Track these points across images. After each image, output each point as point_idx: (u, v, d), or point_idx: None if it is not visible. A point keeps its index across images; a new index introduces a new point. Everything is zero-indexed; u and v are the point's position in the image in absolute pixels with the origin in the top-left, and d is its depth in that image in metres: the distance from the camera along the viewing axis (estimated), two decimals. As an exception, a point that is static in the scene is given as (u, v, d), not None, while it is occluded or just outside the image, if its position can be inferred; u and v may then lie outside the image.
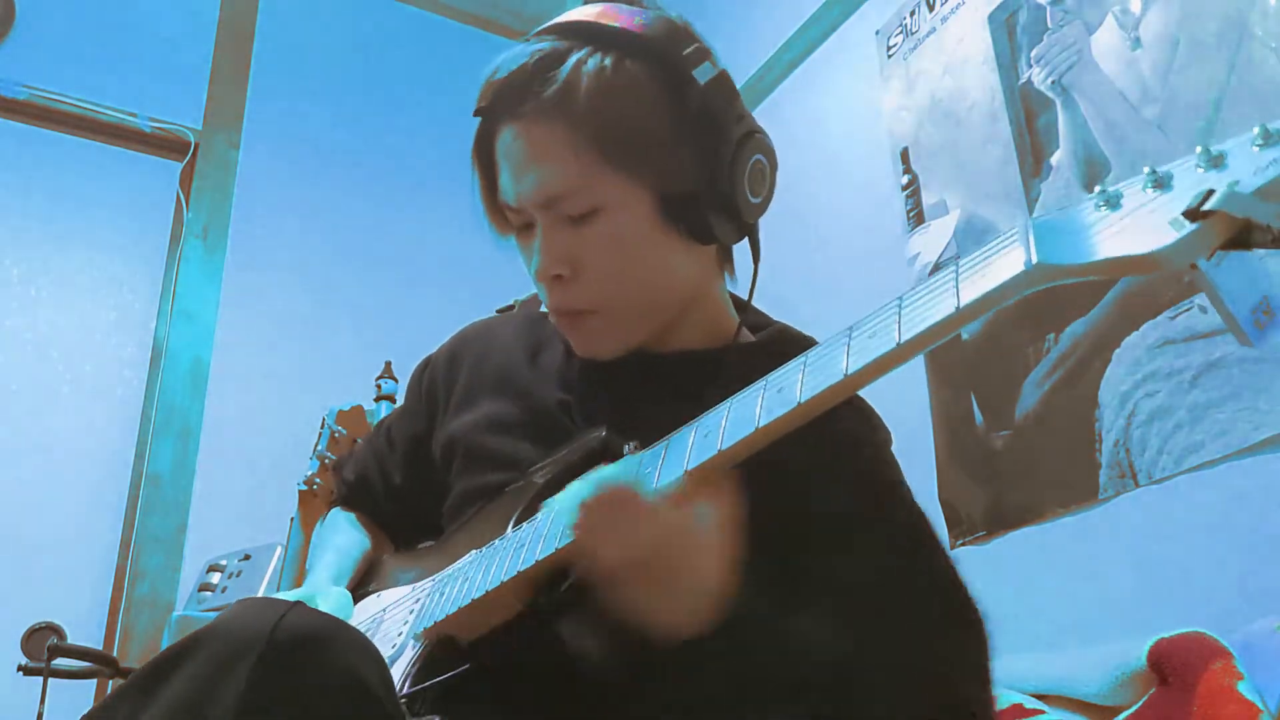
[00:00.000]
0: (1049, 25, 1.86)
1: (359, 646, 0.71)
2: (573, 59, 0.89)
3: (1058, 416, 1.70)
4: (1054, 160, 1.82)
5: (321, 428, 2.18)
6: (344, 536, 1.13)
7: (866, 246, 2.23)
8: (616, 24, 0.91)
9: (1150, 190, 0.57)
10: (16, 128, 2.67)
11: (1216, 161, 0.56)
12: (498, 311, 1.94)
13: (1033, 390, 1.75)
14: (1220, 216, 0.53)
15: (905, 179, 2.15)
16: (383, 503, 1.17)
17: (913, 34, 2.21)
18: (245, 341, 2.71)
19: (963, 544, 1.82)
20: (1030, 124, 1.88)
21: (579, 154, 0.88)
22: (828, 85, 2.47)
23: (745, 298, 1.04)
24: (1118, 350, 1.61)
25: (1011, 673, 1.42)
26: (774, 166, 0.96)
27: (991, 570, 1.76)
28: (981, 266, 0.62)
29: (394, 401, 2.05)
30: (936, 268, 2.02)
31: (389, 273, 2.94)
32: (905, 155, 2.17)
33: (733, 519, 0.76)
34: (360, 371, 2.52)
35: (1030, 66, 1.89)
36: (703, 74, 0.91)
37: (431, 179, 3.06)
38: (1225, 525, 1.42)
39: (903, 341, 0.64)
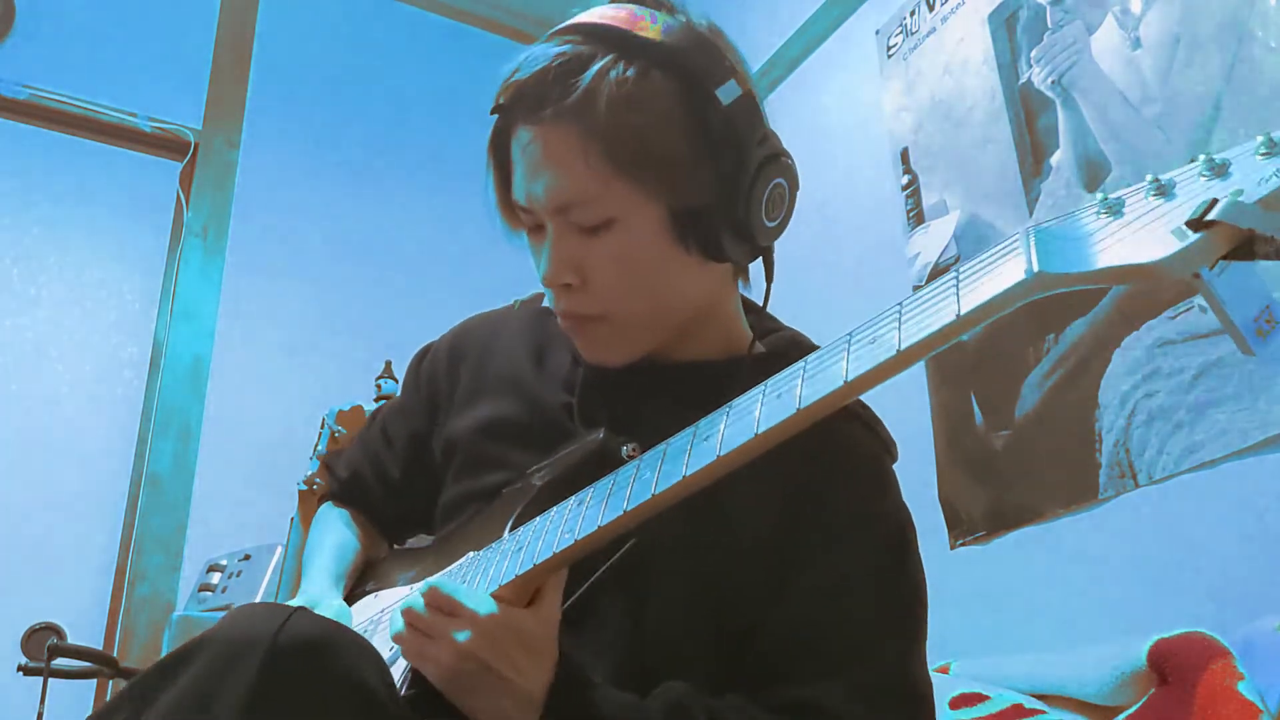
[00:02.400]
0: (1049, 25, 1.86)
1: (361, 651, 0.71)
2: (595, 66, 0.87)
3: (1058, 416, 1.70)
4: (1054, 160, 1.82)
5: (321, 428, 2.17)
6: (338, 536, 1.12)
7: (866, 246, 2.23)
8: (643, 33, 0.89)
9: (1152, 198, 0.57)
10: (16, 128, 2.66)
11: (1220, 170, 0.56)
12: (498, 311, 1.94)
13: (1033, 390, 1.75)
14: (1223, 227, 0.53)
15: (905, 179, 2.15)
16: (379, 499, 1.16)
17: (913, 34, 2.21)
18: (245, 341, 2.71)
19: (963, 544, 1.82)
20: (1030, 124, 1.88)
21: (593, 164, 0.87)
22: (828, 85, 2.47)
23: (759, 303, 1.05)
24: (1118, 350, 1.61)
25: (1011, 673, 1.42)
26: (795, 189, 0.95)
27: (991, 570, 1.76)
28: (982, 273, 0.62)
29: (394, 402, 2.05)
30: (936, 269, 2.02)
31: (389, 273, 2.93)
32: (905, 155, 2.17)
33: (555, 618, 0.79)
34: (360, 371, 2.51)
35: (1030, 66, 1.89)
36: (727, 93, 0.89)
37: (432, 178, 3.06)
38: (1225, 525, 1.42)
39: (903, 349, 0.63)
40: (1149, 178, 0.58)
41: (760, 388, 0.74)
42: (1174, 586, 1.47)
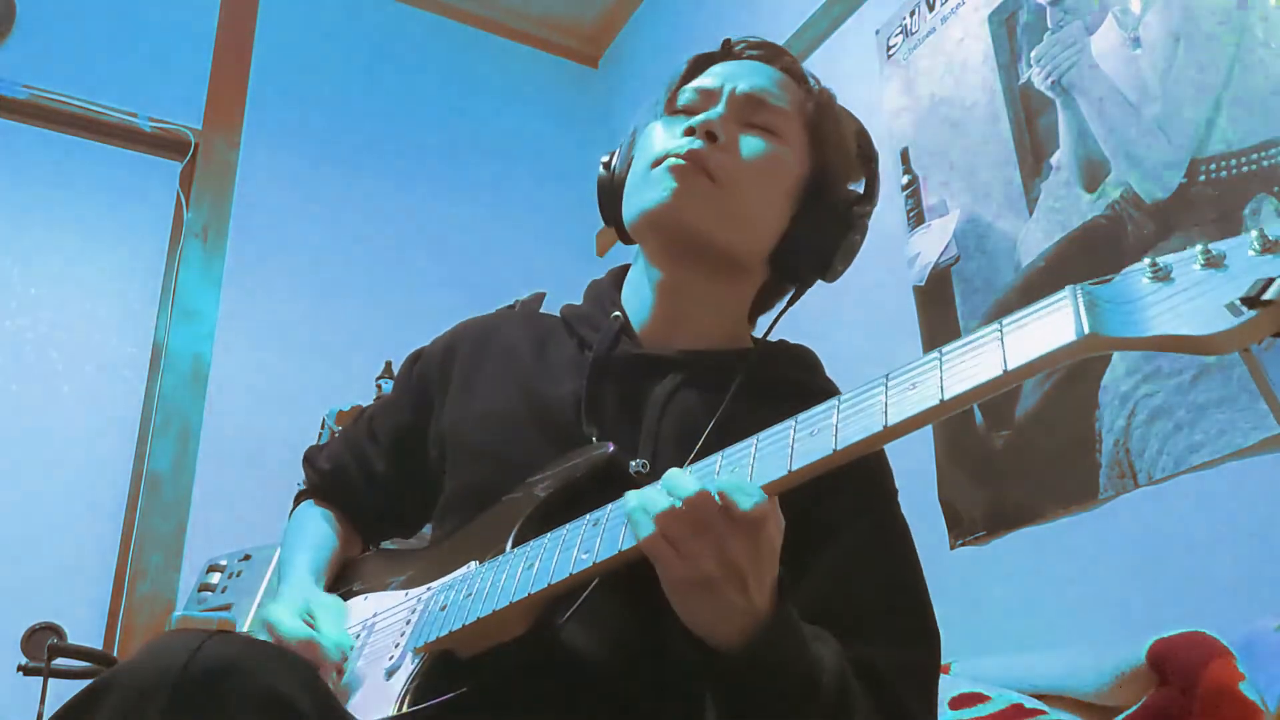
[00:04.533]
0: (1049, 25, 1.86)
1: (282, 663, 0.69)
2: (810, 77, 1.12)
3: (1058, 416, 1.70)
4: (1054, 160, 1.82)
5: (321, 428, 2.18)
6: (317, 534, 1.11)
7: (867, 246, 2.23)
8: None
9: (1203, 268, 0.58)
10: (16, 128, 2.66)
11: (1273, 246, 0.56)
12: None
13: (1033, 390, 1.75)
14: (1278, 306, 0.53)
15: (905, 179, 2.15)
16: (360, 493, 1.15)
17: (913, 34, 2.21)
18: (245, 341, 2.70)
19: (963, 544, 1.82)
20: (1030, 124, 1.88)
21: (794, 107, 1.06)
22: (828, 85, 2.47)
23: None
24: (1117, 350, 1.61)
25: (1011, 673, 1.42)
26: (847, 263, 1.11)
27: (991, 570, 1.76)
28: (1028, 329, 0.62)
29: (394, 401, 2.05)
30: (937, 269, 2.02)
31: (389, 273, 2.94)
32: (905, 155, 2.17)
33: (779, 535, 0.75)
34: (360, 371, 2.52)
35: (1030, 66, 1.89)
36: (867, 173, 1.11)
37: (431, 179, 3.06)
38: (1225, 525, 1.42)
39: (946, 399, 0.64)
40: (1199, 246, 0.59)
41: (791, 422, 0.73)
42: (1174, 586, 1.47)
